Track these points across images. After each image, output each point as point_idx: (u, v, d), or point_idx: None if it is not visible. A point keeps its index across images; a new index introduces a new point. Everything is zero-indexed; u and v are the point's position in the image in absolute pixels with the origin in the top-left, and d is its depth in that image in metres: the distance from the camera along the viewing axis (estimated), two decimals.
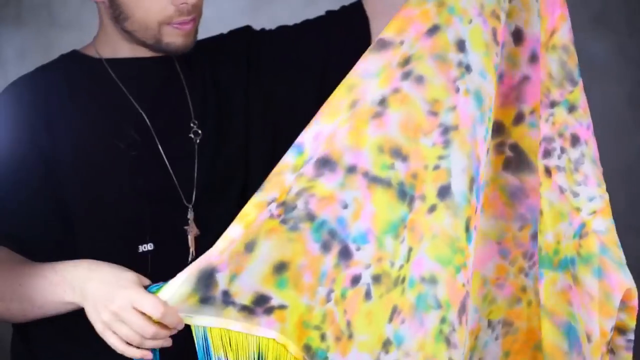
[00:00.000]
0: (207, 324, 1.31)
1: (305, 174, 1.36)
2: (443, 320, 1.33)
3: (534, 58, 1.41)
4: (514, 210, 1.41)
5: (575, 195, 1.39)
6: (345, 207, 1.37)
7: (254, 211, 1.33)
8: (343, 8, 1.76)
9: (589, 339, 1.38)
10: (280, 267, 1.34)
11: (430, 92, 1.37)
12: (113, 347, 1.32)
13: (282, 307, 1.34)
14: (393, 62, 1.37)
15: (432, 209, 1.35)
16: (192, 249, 1.58)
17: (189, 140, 1.62)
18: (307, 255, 1.36)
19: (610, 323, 1.36)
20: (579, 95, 1.42)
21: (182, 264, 1.56)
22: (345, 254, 1.37)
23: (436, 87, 1.37)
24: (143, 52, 1.60)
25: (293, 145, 1.37)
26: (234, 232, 1.33)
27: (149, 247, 1.55)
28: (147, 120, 1.59)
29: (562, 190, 1.39)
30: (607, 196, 1.40)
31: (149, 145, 1.58)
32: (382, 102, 1.36)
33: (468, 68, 1.37)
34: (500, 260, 1.41)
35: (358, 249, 1.37)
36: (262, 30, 1.75)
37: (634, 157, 3.17)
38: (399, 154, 1.37)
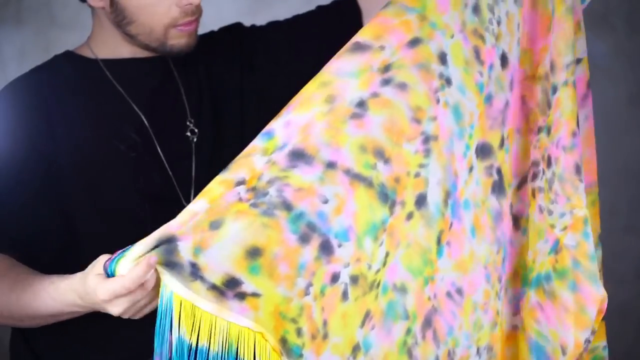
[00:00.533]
0: (174, 288, 1.24)
1: (278, 163, 1.33)
2: (408, 332, 1.34)
3: (512, 84, 1.44)
4: (494, 234, 1.43)
5: (550, 213, 1.44)
6: (326, 202, 1.34)
7: (219, 188, 1.30)
8: (335, 3, 1.76)
9: (563, 351, 1.43)
10: (253, 253, 1.29)
11: (413, 99, 1.38)
12: (133, 316, 1.30)
13: (255, 294, 1.28)
14: (373, 66, 1.38)
15: (410, 216, 1.36)
16: None
17: (186, 139, 1.62)
18: (284, 244, 1.31)
19: (585, 334, 1.41)
20: (553, 117, 1.45)
21: None
22: (326, 249, 1.33)
23: (419, 95, 1.38)
24: (139, 53, 1.60)
25: (262, 132, 1.35)
26: (197, 206, 1.29)
27: None
28: (145, 121, 1.58)
29: (541, 210, 1.44)
30: (578, 210, 1.43)
31: (148, 145, 1.57)
32: (361, 104, 1.37)
33: (448, 81, 1.40)
34: (486, 284, 1.42)
35: (339, 246, 1.34)
36: (253, 26, 1.75)
37: (634, 157, 3.17)
38: (381, 155, 1.36)
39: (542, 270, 1.45)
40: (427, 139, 1.39)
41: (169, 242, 1.26)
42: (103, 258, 1.29)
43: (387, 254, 1.35)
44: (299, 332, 1.30)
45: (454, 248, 1.37)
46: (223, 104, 1.66)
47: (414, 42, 1.40)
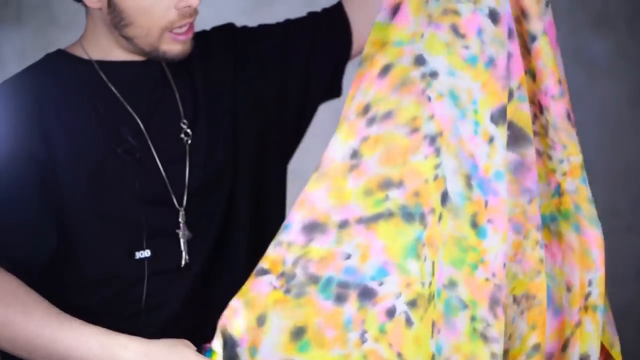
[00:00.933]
0: None
1: (296, 243, 1.42)
2: (473, 319, 1.35)
3: (510, 34, 1.43)
4: (519, 185, 1.42)
5: (549, 158, 1.46)
6: (348, 257, 1.42)
7: (251, 284, 1.42)
8: (324, 10, 1.76)
9: (568, 289, 1.45)
10: (297, 333, 1.40)
11: (403, 117, 1.42)
12: None
13: None
14: (350, 116, 1.43)
15: (440, 217, 1.38)
16: (184, 254, 1.57)
17: (180, 142, 1.60)
18: (322, 313, 1.40)
19: (589, 276, 1.44)
20: (535, 64, 1.46)
21: (176, 269, 1.56)
22: (366, 294, 1.40)
23: (408, 108, 1.42)
24: (132, 56, 1.58)
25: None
26: (234, 303, 1.40)
27: (145, 253, 1.54)
28: (141, 124, 1.57)
29: (539, 154, 1.45)
30: (574, 157, 1.47)
31: (145, 149, 1.56)
32: (354, 154, 1.43)
33: (433, 74, 1.42)
34: (515, 236, 1.41)
35: (381, 284, 1.40)
36: (245, 27, 1.74)
37: (634, 157, 3.17)
38: (390, 184, 1.42)
39: (547, 212, 1.46)
40: (432, 139, 1.40)
41: (232, 346, 1.38)
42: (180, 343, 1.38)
43: (433, 263, 1.37)
44: None
45: (498, 222, 1.38)
46: (217, 105, 1.65)
47: (385, 70, 1.44)
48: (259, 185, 1.67)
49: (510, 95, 1.42)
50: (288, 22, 1.75)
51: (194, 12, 1.54)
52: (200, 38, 1.65)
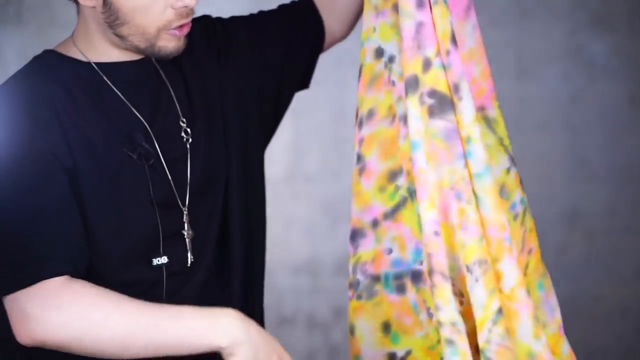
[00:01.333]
0: None
1: (349, 254, 1.56)
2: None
3: (421, 3, 1.43)
4: (452, 151, 1.42)
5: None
6: (390, 251, 1.54)
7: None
8: (294, 3, 1.75)
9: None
10: (385, 328, 1.54)
11: (382, 111, 1.52)
12: None
13: (408, 353, 1.53)
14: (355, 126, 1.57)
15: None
16: (189, 254, 1.56)
17: (181, 141, 1.59)
18: (394, 306, 1.53)
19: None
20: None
21: (184, 270, 1.55)
22: (416, 277, 1.51)
23: (384, 101, 1.52)
24: (126, 55, 1.55)
25: None
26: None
27: (162, 260, 1.53)
28: (147, 126, 1.55)
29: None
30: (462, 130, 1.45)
31: (154, 152, 1.55)
32: (359, 158, 1.54)
33: (391, 60, 1.50)
34: (457, 203, 1.42)
35: (421, 263, 1.50)
36: (221, 19, 1.72)
37: (634, 157, 3.17)
38: (394, 174, 1.52)
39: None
40: (404, 119, 1.47)
41: None
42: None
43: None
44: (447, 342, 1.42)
45: (419, 192, 1.42)
46: (210, 102, 1.63)
47: (359, 74, 1.54)
48: (247, 177, 1.67)
49: (428, 64, 1.42)
50: (262, 14, 1.74)
51: (191, 12, 1.52)
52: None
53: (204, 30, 1.68)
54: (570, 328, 3.24)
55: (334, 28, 1.72)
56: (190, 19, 1.52)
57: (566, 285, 3.21)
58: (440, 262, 1.40)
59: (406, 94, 1.42)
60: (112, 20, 1.48)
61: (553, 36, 3.10)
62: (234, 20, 1.73)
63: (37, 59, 1.55)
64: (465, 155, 1.42)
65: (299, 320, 3.13)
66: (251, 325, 1.42)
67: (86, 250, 1.46)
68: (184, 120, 1.59)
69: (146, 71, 1.57)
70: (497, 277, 1.42)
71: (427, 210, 1.41)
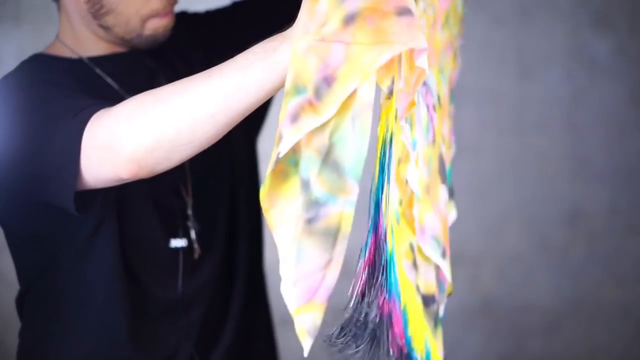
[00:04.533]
0: None
1: None
2: None
3: None
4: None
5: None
6: None
7: None
8: None
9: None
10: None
11: None
12: None
13: None
14: None
15: None
16: (195, 245, 1.56)
17: None
18: None
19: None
20: None
21: (192, 262, 1.55)
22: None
23: None
24: (114, 48, 1.54)
25: None
26: None
27: (182, 242, 1.54)
28: None
29: None
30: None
31: None
32: None
33: None
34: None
35: None
36: (198, 13, 1.72)
37: (635, 157, 3.17)
38: None
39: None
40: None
41: None
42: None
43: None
44: None
45: None
46: None
47: None
48: (251, 166, 1.67)
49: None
50: (237, 5, 1.74)
51: (174, 1, 1.52)
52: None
53: (185, 25, 1.67)
54: (571, 328, 3.25)
55: None
56: (173, 6, 1.52)
57: (567, 285, 3.20)
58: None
59: None
60: (96, 10, 1.47)
61: (554, 36, 3.10)
62: (211, 14, 1.73)
63: (25, 63, 1.52)
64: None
65: None
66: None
67: None
68: None
69: (137, 61, 1.56)
70: None
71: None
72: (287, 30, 1.16)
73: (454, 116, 1.63)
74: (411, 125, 1.22)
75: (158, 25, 1.50)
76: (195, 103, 1.19)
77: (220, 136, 1.22)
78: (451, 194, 1.53)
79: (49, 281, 1.51)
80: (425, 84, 1.29)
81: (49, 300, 1.53)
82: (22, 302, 1.56)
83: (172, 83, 1.23)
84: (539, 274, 3.19)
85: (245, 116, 1.20)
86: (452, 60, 1.57)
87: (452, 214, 1.54)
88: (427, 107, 1.32)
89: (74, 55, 1.53)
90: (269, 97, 1.19)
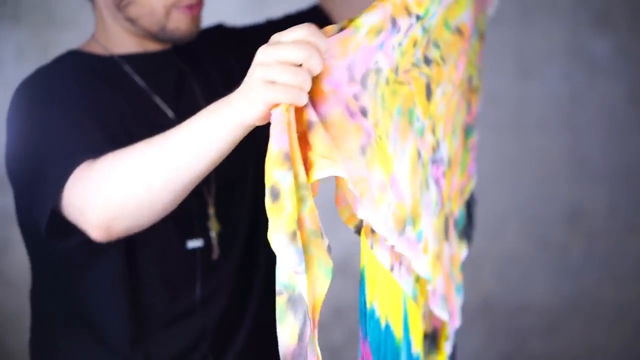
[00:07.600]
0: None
1: None
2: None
3: None
4: None
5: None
6: None
7: None
8: (300, 12, 1.74)
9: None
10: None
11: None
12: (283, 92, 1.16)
13: None
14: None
15: None
16: (215, 245, 1.56)
17: None
18: None
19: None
20: None
21: (210, 263, 1.55)
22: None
23: None
24: (146, 45, 1.55)
25: None
26: None
27: (198, 242, 1.53)
28: (172, 115, 1.55)
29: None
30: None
31: None
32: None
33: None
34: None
35: None
36: (235, 28, 1.73)
37: (635, 157, 3.17)
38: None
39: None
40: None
41: None
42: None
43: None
44: None
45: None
46: (232, 87, 1.64)
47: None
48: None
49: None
50: (272, 22, 1.74)
51: None
52: (206, 34, 1.64)
53: (222, 36, 1.70)
54: (571, 328, 3.25)
55: None
56: (198, 1, 1.52)
57: (567, 285, 3.21)
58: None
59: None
60: (119, 0, 1.49)
61: (554, 35, 3.10)
62: (246, 30, 1.74)
63: (60, 59, 1.55)
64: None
65: None
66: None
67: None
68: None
69: (167, 61, 1.58)
70: None
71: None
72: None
73: (475, 147, 1.62)
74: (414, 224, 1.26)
75: (182, 18, 1.51)
76: (149, 169, 1.22)
77: (189, 190, 1.24)
78: (462, 234, 1.54)
79: (59, 280, 1.52)
80: (435, 161, 1.34)
81: (58, 298, 1.53)
82: (36, 297, 1.57)
83: (137, 146, 1.24)
84: (538, 273, 3.19)
85: (205, 174, 1.23)
86: (473, 92, 1.56)
87: (463, 253, 1.57)
88: (437, 180, 1.35)
89: (105, 53, 1.55)
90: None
